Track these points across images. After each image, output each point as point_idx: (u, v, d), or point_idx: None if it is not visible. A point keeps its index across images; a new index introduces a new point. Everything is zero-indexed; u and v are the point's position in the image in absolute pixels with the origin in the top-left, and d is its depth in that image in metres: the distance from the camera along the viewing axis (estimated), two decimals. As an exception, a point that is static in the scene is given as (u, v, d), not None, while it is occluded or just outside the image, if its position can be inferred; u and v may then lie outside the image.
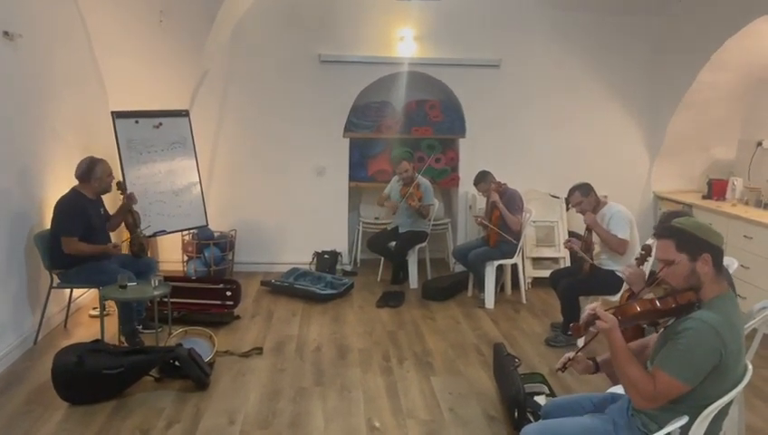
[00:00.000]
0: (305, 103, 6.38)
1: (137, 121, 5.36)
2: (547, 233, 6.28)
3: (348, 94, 6.40)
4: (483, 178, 5.56)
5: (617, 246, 4.44)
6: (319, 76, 6.34)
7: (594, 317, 2.17)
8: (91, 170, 4.47)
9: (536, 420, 3.28)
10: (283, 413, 3.61)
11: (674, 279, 2.22)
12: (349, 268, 6.61)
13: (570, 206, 4.74)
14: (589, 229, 4.60)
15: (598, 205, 4.61)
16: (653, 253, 3.15)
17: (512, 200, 5.51)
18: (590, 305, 2.24)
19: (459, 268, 6.51)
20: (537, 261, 6.24)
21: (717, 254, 2.21)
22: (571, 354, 2.62)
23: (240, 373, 4.13)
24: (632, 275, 3.10)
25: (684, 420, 2.06)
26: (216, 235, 6.19)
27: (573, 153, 6.58)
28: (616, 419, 2.34)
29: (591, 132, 6.62)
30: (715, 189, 6.21)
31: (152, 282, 4.18)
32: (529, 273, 6.09)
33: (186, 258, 6.20)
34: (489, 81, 6.47)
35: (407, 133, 6.55)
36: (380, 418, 3.58)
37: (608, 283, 4.53)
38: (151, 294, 4.16)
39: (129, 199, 4.75)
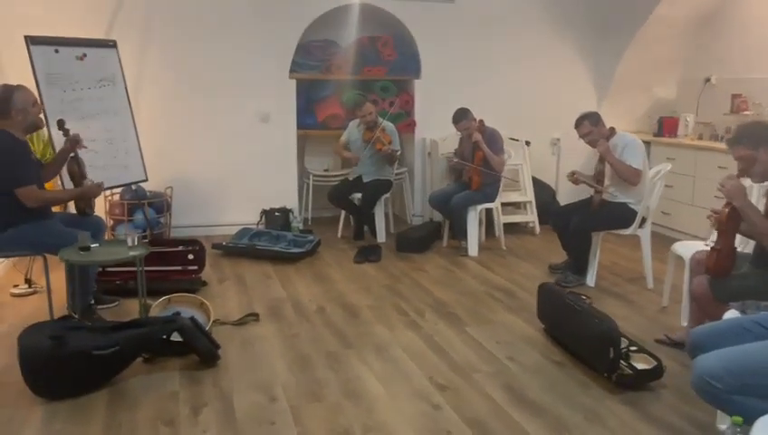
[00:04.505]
0: (244, 39, 5.54)
1: (57, 51, 4.28)
2: (512, 177, 5.99)
3: (293, 29, 5.64)
4: (464, 116, 5.11)
5: (630, 176, 4.22)
6: (259, 7, 5.52)
7: None
8: (7, 101, 3.35)
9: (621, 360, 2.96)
10: (329, 382, 2.99)
11: None
12: (301, 227, 5.91)
13: (579, 137, 4.43)
14: (601, 161, 4.35)
15: (611, 134, 4.35)
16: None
17: (493, 139, 5.13)
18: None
19: (417, 221, 6.11)
20: (502, 206, 5.94)
21: None
22: None
23: (247, 343, 3.41)
24: (733, 189, 2.83)
25: None
26: (148, 193, 5.22)
27: (525, 94, 6.27)
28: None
29: (545, 72, 6.35)
30: (666, 127, 6.26)
31: (129, 240, 3.29)
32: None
33: (111, 222, 5.19)
34: (444, 16, 5.99)
35: (359, 74, 5.93)
36: (442, 375, 3.07)
37: (621, 216, 4.32)
38: (126, 256, 3.27)
39: (75, 143, 3.71)
